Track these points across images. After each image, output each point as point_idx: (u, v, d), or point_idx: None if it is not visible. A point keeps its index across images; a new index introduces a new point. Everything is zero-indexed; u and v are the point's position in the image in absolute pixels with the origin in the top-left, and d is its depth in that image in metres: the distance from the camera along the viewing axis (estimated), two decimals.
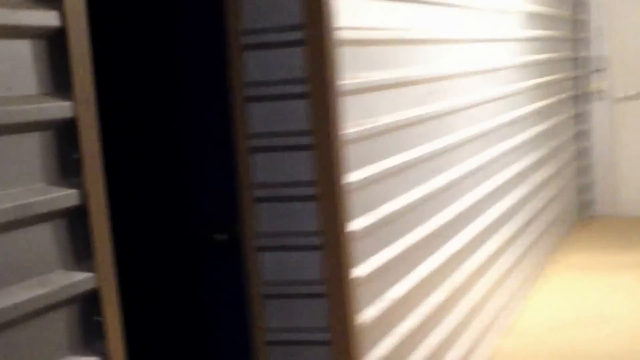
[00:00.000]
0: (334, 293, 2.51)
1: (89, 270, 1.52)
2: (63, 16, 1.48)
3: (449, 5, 3.79)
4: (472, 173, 3.99)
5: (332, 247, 2.49)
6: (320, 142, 2.45)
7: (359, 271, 2.63)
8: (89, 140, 1.51)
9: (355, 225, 2.63)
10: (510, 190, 4.73)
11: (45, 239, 1.45)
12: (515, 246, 4.79)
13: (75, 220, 1.51)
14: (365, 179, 2.73)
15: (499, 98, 4.55)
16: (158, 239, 2.87)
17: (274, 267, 2.58)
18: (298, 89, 2.47)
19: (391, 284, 2.95)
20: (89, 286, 1.52)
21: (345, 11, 2.62)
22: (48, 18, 1.47)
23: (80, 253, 1.52)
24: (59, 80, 1.49)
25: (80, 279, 1.49)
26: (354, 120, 2.66)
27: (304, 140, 2.48)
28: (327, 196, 2.47)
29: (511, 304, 4.65)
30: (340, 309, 2.50)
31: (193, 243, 2.75)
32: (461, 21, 3.97)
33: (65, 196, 1.48)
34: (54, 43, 1.49)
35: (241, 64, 2.50)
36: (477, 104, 4.13)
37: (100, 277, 1.53)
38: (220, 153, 2.63)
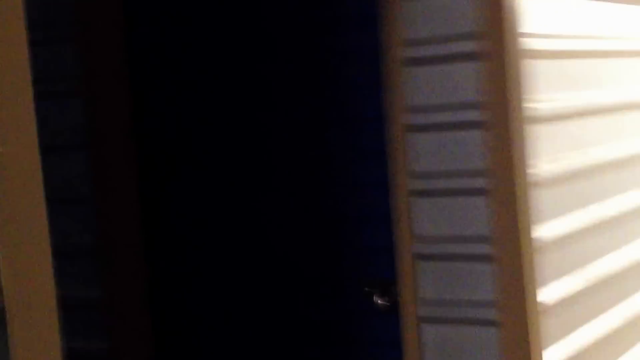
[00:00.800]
0: None
1: None
2: None
3: None
4: None
5: (514, 323, 2.19)
6: (501, 184, 2.18)
7: (552, 356, 2.26)
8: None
9: (548, 295, 2.27)
10: None
11: None
12: None
13: None
14: (562, 233, 2.38)
15: None
16: (304, 293, 2.63)
17: (439, 344, 2.31)
18: (472, 115, 2.21)
19: None
20: None
21: (535, 15, 2.31)
22: None
23: None
24: None
25: None
26: (548, 156, 2.35)
27: (480, 182, 2.20)
28: (508, 256, 2.18)
29: None
30: None
31: (346, 303, 2.53)
32: None
33: None
34: None
35: (400, 83, 2.27)
36: None
37: None
38: (379, 195, 2.40)
